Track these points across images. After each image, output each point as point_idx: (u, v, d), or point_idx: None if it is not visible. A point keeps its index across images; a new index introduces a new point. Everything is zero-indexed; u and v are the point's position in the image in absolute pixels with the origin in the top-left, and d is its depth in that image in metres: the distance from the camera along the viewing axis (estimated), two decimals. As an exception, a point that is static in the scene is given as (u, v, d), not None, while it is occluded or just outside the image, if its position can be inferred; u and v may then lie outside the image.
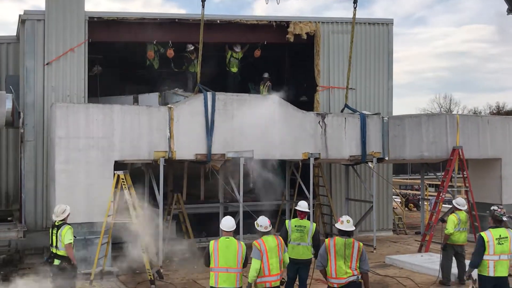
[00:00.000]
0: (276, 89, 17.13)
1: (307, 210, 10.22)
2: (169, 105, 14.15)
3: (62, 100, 14.94)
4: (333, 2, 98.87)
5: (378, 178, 18.81)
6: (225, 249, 7.90)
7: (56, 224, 9.79)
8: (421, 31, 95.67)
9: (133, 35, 16.25)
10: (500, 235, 8.54)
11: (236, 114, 14.45)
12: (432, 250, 15.31)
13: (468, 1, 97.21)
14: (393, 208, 20.44)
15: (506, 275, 8.61)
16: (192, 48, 17.13)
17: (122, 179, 12.80)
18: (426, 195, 21.19)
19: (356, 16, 16.43)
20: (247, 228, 14.27)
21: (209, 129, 14.07)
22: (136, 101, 16.11)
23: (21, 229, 13.53)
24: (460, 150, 16.20)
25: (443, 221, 12.29)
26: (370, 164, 16.46)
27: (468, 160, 17.39)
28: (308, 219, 10.45)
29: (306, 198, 15.05)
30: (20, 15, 15.36)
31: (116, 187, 12.98)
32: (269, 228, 8.32)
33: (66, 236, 9.53)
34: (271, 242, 8.17)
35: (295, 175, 16.75)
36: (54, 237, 9.69)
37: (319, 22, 18.30)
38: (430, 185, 29.69)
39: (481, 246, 8.54)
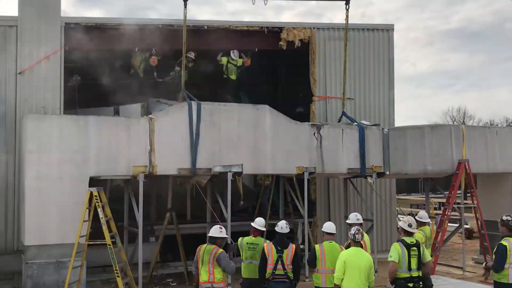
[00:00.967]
0: (271, 99, 16.10)
1: (262, 229, 9.77)
2: (150, 116, 13.06)
3: (36, 111, 13.92)
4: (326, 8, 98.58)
5: (380, 194, 17.75)
6: (330, 253, 8.93)
7: None
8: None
9: (114, 42, 15.21)
10: None
11: (224, 125, 13.43)
12: (438, 273, 14.11)
13: None
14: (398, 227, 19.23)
15: None
16: (193, 55, 16.11)
17: (96, 196, 11.78)
18: (432, 213, 19.98)
19: (356, 22, 15.54)
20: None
21: (194, 142, 12.97)
22: (117, 112, 15.12)
23: (-12, 252, 12.51)
24: (467, 163, 15.02)
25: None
26: (369, 179, 15.33)
27: (476, 174, 16.23)
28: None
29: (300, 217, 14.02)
30: (-11, 21, 14.36)
31: (89, 205, 11.99)
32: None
33: None
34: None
35: (289, 191, 15.66)
36: None
37: (314, 28, 17.28)
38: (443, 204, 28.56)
39: (502, 255, 8.72)
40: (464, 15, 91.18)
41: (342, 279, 8.10)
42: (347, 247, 8.76)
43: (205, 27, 15.99)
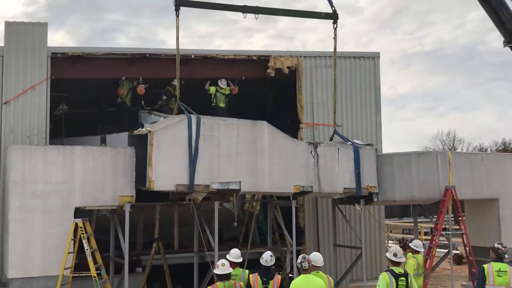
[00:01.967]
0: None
1: (237, 261, 9.72)
2: (148, 128, 12.69)
3: (21, 141, 13.81)
4: (297, 31, 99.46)
5: (369, 221, 17.71)
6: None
7: None
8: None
9: (101, 71, 15.23)
10: (500, 269, 9.18)
11: (223, 140, 12.94)
12: (427, 301, 13.99)
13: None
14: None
15: None
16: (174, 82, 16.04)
17: (81, 227, 11.68)
18: (420, 239, 19.94)
19: (342, 50, 15.63)
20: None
21: (193, 157, 12.44)
22: (104, 141, 14.97)
23: (-30, 285, 12.26)
24: (453, 190, 15.04)
25: None
26: (357, 206, 15.28)
27: (463, 201, 16.24)
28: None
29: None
30: (-25, 50, 14.33)
31: (74, 236, 11.88)
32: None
33: None
34: None
35: (277, 218, 15.58)
36: None
37: (300, 56, 17.42)
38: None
39: (481, 276, 9.23)
40: (436, 37, 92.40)
41: None
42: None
43: (193, 56, 16.03)
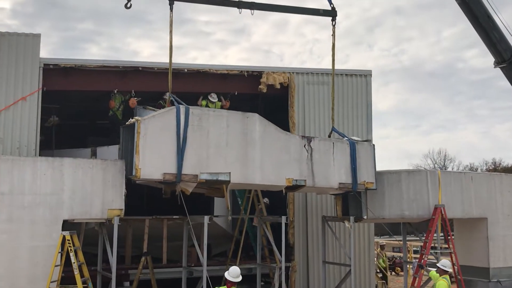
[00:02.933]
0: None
1: (236, 280, 9.66)
2: (136, 117, 12.49)
3: (10, 152, 13.70)
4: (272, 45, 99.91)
5: (358, 239, 17.70)
6: None
7: None
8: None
9: (93, 83, 15.19)
10: None
11: (212, 131, 12.71)
12: (415, 320, 13.97)
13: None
14: (377, 272, 19.15)
15: None
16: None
17: (68, 240, 11.58)
18: (409, 257, 19.93)
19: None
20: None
21: (181, 147, 12.22)
22: (94, 154, 14.90)
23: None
24: (443, 208, 15.11)
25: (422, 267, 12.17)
26: (346, 223, 15.26)
27: (452, 219, 16.29)
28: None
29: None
30: (-35, 61, 14.26)
31: (62, 249, 11.77)
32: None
33: None
34: None
35: (266, 234, 15.52)
36: None
37: (293, 72, 17.48)
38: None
39: None
40: (413, 54, 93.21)
41: None
42: None
43: (185, 70, 16.05)
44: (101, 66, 15.18)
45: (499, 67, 16.85)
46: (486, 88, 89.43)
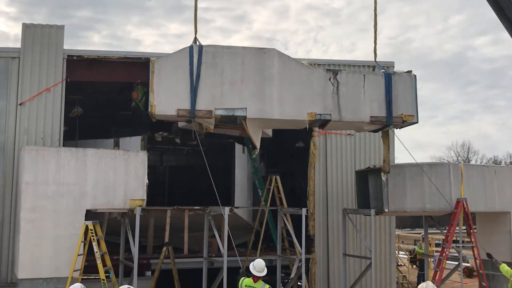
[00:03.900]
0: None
1: (261, 274, 9.64)
2: (151, 58, 12.35)
3: (35, 143, 13.95)
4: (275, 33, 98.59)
5: (379, 231, 17.62)
6: None
7: None
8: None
9: (116, 75, 15.31)
10: None
11: (226, 68, 12.39)
12: (436, 313, 13.88)
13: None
14: (398, 265, 19.02)
15: None
16: None
17: (91, 229, 11.76)
18: (430, 251, 19.80)
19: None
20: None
21: (194, 83, 12.08)
22: (117, 145, 15.12)
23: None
24: (465, 202, 14.95)
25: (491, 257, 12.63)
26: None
27: (475, 213, 16.12)
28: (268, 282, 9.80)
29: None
30: (-8, 52, 14.50)
31: (85, 238, 11.97)
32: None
33: None
34: None
35: (287, 225, 15.53)
36: None
37: (314, 64, 17.35)
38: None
39: None
40: (421, 43, 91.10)
41: None
42: None
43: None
44: (124, 57, 15.29)
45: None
46: (499, 77, 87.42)
